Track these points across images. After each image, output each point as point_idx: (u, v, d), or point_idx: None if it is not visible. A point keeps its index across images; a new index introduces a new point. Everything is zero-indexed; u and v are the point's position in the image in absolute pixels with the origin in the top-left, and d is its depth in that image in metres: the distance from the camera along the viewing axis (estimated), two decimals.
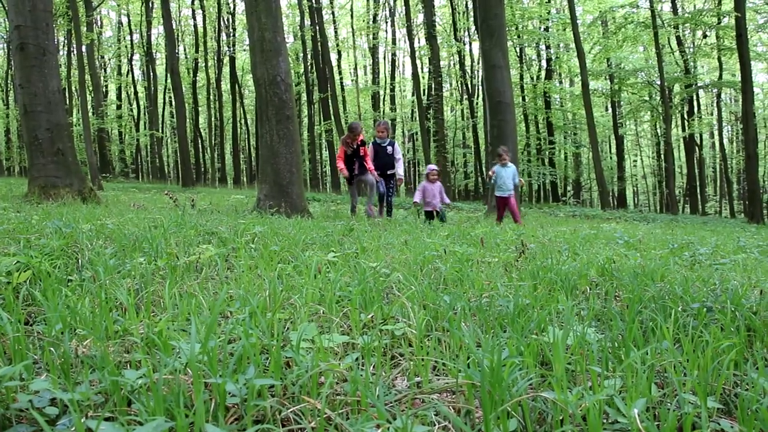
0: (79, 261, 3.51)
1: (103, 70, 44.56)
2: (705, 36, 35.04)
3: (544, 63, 40.93)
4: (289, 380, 1.68)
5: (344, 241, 5.08)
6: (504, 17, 15.04)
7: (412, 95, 38.35)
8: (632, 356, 1.83)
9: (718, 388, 1.83)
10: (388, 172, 10.25)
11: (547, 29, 36.89)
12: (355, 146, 9.75)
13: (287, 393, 1.67)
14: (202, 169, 44.79)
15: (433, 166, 10.47)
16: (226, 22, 43.62)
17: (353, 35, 45.99)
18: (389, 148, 10.24)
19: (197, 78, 44.71)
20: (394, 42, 45.40)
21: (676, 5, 34.40)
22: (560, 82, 43.67)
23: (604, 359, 1.91)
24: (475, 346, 2.03)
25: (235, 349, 1.84)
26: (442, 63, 36.58)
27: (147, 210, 9.00)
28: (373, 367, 1.94)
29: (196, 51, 42.81)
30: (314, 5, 28.31)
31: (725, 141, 46.79)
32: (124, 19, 44.40)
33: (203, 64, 43.75)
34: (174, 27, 34.24)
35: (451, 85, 47.49)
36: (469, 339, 1.84)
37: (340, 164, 9.85)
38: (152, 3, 37.77)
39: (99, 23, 42.80)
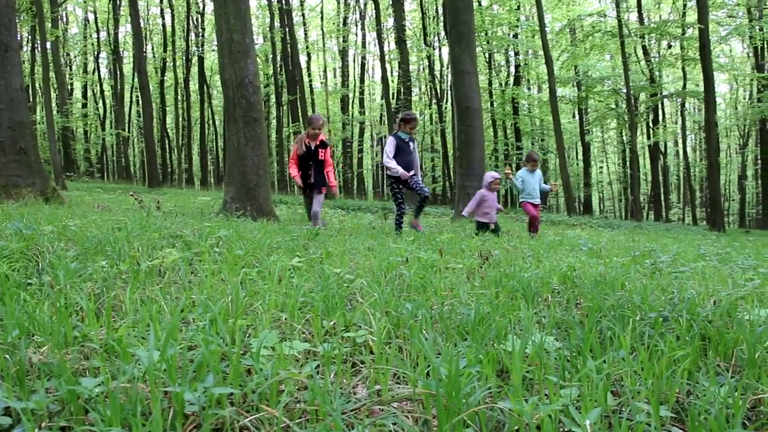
0: (40, 264, 3.46)
1: (68, 68, 43.85)
2: (670, 46, 35.72)
3: (512, 69, 41.34)
4: (248, 388, 1.68)
5: (309, 245, 5.07)
6: (473, 24, 15.16)
7: (382, 99, 38.38)
8: (589, 365, 1.86)
9: (671, 396, 1.88)
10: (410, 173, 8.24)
11: (516, 36, 37.30)
12: (312, 147, 7.88)
13: (246, 401, 1.67)
14: (169, 170, 44.36)
15: (496, 174, 8.91)
16: (195, 22, 43.26)
17: (323, 37, 45.96)
18: (411, 145, 8.11)
19: (165, 77, 44.25)
20: (364, 45, 45.47)
21: (642, 15, 34.99)
22: (528, 89, 44.12)
23: (561, 368, 1.94)
24: (435, 354, 2.05)
25: (195, 356, 1.83)
26: (411, 67, 36.74)
27: (111, 211, 8.88)
28: (334, 374, 1.95)
29: (165, 50, 42.35)
30: (284, 7, 28.20)
31: (689, 149, 47.79)
32: (91, 16, 43.73)
33: (171, 64, 43.30)
34: (142, 25, 33.88)
35: (420, 89, 47.68)
36: (429, 348, 1.86)
37: (293, 170, 7.94)
38: (120, 0, 37.26)
39: (64, 20, 42.14)
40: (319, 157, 7.92)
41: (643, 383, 1.93)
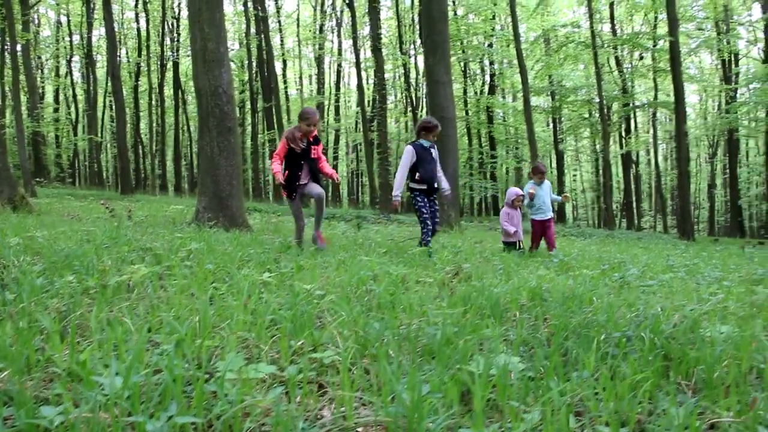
0: (3, 279, 3.42)
1: (39, 71, 43.22)
2: (642, 57, 36.29)
3: (487, 78, 41.67)
4: (213, 415, 1.68)
5: (281, 258, 5.07)
6: (448, 34, 15.27)
7: (357, 106, 38.45)
8: (552, 388, 1.89)
9: (631, 418, 1.91)
10: (434, 186, 7.31)
11: (491, 45, 37.62)
12: (305, 144, 6.63)
13: (211, 428, 1.67)
14: (143, 176, 43.94)
15: (519, 191, 8.37)
16: (171, 27, 42.98)
17: (299, 44, 45.93)
18: (433, 152, 7.28)
19: (139, 82, 43.85)
20: (340, 53, 45.51)
21: (615, 27, 35.52)
22: (503, 97, 44.45)
23: (525, 390, 1.97)
24: (402, 375, 2.06)
25: (161, 380, 1.82)
26: (387, 75, 36.87)
27: (81, 220, 8.78)
28: (300, 398, 1.95)
29: (139, 55, 41.99)
30: (260, 14, 28.14)
31: (660, 158, 48.51)
32: (64, 19, 43.19)
33: (146, 69, 42.90)
34: (116, 29, 33.54)
35: (396, 97, 47.82)
36: (393, 375, 1.87)
37: (276, 166, 6.62)
38: (93, 4, 36.88)
39: (36, 22, 41.52)
40: (312, 155, 6.72)
41: (605, 405, 1.96)
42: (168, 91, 44.14)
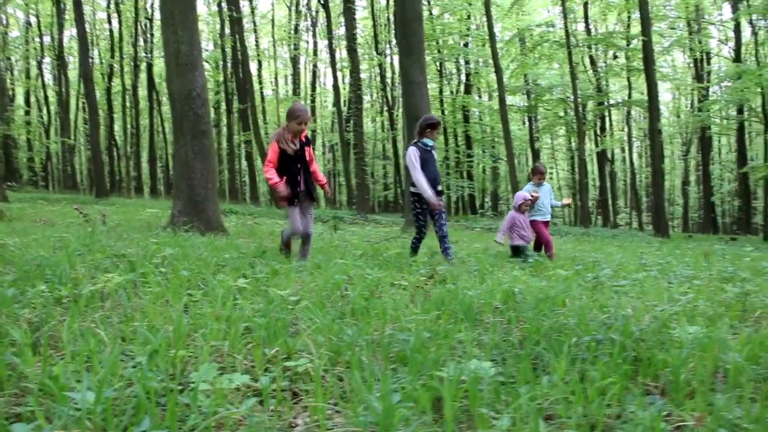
0: None
1: (9, 73, 42.56)
2: (615, 57, 36.66)
3: (463, 77, 41.81)
4: (187, 427, 1.69)
5: (256, 263, 5.06)
6: (423, 34, 15.30)
7: (333, 106, 38.41)
8: (523, 393, 1.93)
9: (599, 421, 1.95)
10: (438, 189, 6.86)
11: (467, 45, 37.75)
12: (297, 144, 5.98)
13: None
14: (117, 178, 43.45)
15: (526, 195, 8.09)
16: (144, 28, 42.54)
17: (274, 45, 45.73)
18: (434, 153, 6.96)
19: (112, 84, 43.34)
20: (315, 53, 45.40)
21: (589, 26, 35.86)
22: (479, 96, 44.65)
23: (495, 397, 2.00)
24: (375, 383, 2.08)
25: (134, 393, 1.83)
26: (363, 75, 36.83)
27: (54, 226, 8.69)
28: (273, 407, 1.97)
29: (112, 56, 41.51)
30: (234, 15, 27.98)
31: (635, 156, 49.04)
32: (33, 20, 42.50)
33: (119, 70, 42.44)
34: (88, 30, 33.16)
35: (372, 96, 47.81)
36: (365, 383, 1.89)
37: (272, 174, 5.89)
38: (64, 4, 36.35)
39: (4, 22, 40.85)
40: (307, 157, 6.10)
41: (574, 410, 2.00)
42: (142, 92, 43.71)
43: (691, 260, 8.79)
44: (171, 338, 2.52)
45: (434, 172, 6.79)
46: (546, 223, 8.43)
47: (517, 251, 7.95)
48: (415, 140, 6.94)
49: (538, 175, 8.48)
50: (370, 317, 3.03)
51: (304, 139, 6.05)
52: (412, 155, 6.69)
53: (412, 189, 6.86)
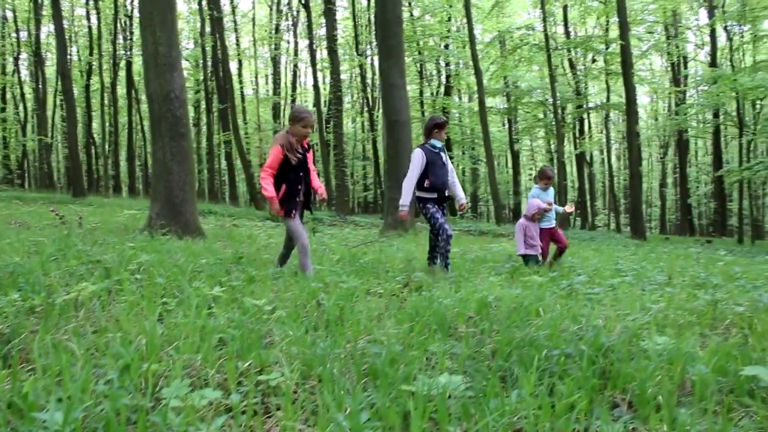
0: None
1: None
2: (594, 60, 36.98)
3: (443, 79, 41.92)
4: None
5: (232, 269, 5.06)
6: (402, 37, 15.34)
7: (314, 106, 38.36)
8: (492, 408, 1.95)
9: None
10: (446, 194, 6.61)
11: (447, 46, 37.84)
12: (301, 152, 5.47)
13: None
14: (95, 177, 43.02)
15: (540, 204, 7.63)
16: (123, 25, 42.14)
17: (255, 44, 45.53)
18: (443, 155, 6.57)
19: (91, 81, 42.89)
20: (296, 53, 45.26)
21: (568, 30, 36.15)
22: (459, 98, 44.80)
23: (464, 412, 2.03)
24: (347, 395, 2.10)
25: (105, 411, 1.83)
26: (343, 76, 36.83)
27: (30, 229, 8.60)
28: (244, 424, 1.98)
29: (91, 54, 41.05)
30: (215, 14, 27.81)
31: (613, 158, 49.51)
32: (9, 14, 41.93)
33: (97, 68, 42.01)
34: (66, 27, 32.80)
35: (352, 97, 47.78)
36: (334, 400, 1.91)
37: (268, 183, 5.33)
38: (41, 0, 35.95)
39: None
40: (308, 165, 5.61)
41: (541, 425, 2.03)
42: (121, 90, 43.30)
43: (666, 264, 8.90)
44: (144, 351, 2.52)
45: (441, 177, 6.45)
46: (551, 230, 8.07)
47: (528, 260, 7.59)
48: (422, 142, 6.63)
49: (545, 179, 7.95)
50: (344, 328, 3.05)
51: (306, 145, 5.53)
52: (416, 157, 6.39)
53: (419, 194, 6.49)
